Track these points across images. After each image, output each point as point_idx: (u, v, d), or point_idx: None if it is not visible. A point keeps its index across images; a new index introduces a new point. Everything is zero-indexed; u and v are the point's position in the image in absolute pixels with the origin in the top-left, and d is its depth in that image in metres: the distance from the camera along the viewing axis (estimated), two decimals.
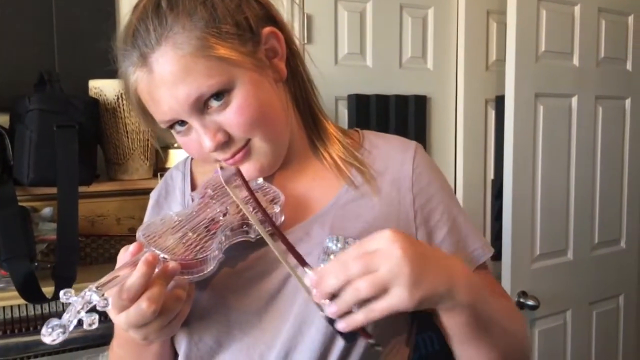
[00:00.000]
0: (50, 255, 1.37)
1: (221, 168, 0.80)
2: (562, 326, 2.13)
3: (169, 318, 0.68)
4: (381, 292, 0.61)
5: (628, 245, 2.33)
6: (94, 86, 1.43)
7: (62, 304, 1.31)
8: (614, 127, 2.23)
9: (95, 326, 0.60)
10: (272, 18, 0.81)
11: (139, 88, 0.75)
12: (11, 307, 1.27)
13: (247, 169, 0.80)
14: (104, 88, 1.41)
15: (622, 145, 2.28)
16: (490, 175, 2.16)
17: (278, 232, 0.73)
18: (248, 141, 0.78)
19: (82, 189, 1.30)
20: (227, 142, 0.77)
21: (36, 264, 1.26)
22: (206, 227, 0.75)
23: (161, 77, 0.72)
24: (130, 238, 1.51)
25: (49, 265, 1.33)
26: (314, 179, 0.86)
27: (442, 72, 2.07)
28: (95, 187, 1.40)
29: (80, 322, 0.60)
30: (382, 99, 1.91)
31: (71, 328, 0.59)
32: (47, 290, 1.21)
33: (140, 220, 1.54)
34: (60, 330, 0.59)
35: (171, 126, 0.78)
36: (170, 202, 0.91)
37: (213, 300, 0.79)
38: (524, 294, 1.96)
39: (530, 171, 1.98)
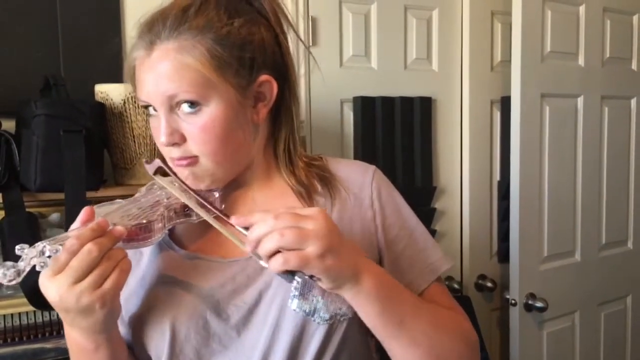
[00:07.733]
0: None
1: (146, 162, 0.88)
2: (571, 328, 2.12)
3: (106, 271, 0.72)
4: (299, 244, 0.70)
5: (635, 246, 2.32)
6: (100, 90, 1.42)
7: None
8: (620, 127, 2.23)
9: (45, 268, 0.68)
10: (280, 67, 0.89)
11: (136, 63, 0.85)
12: (19, 314, 1.26)
13: (187, 176, 0.87)
14: (110, 92, 1.40)
15: (628, 145, 2.27)
16: (497, 176, 2.15)
17: (212, 208, 0.82)
18: (197, 156, 0.84)
19: (89, 194, 1.29)
20: (179, 145, 0.84)
21: None
22: (150, 206, 0.83)
23: (154, 65, 0.81)
24: None
25: None
26: (279, 199, 0.93)
27: (447, 74, 2.06)
28: (102, 192, 1.38)
29: (33, 269, 0.67)
30: (387, 101, 1.90)
31: (25, 273, 0.66)
32: None
33: None
34: (15, 271, 0.65)
35: (146, 107, 0.87)
36: None
37: (193, 312, 0.85)
38: (532, 295, 1.95)
39: (537, 172, 1.97)
